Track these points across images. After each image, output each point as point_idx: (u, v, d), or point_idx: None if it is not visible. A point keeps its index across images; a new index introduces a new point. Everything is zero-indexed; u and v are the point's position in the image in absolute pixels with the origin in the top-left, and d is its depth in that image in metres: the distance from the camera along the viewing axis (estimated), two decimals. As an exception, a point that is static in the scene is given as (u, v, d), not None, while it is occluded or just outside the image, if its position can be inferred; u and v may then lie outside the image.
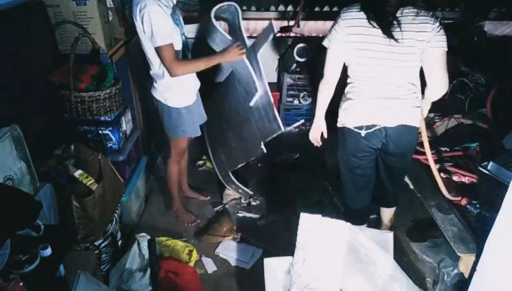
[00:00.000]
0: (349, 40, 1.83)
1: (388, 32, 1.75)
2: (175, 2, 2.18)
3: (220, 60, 2.26)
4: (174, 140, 2.46)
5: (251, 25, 3.84)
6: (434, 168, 2.08)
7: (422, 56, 1.82)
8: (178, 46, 2.16)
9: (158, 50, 2.05)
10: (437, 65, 1.83)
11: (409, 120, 1.94)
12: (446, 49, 1.81)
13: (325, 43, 1.92)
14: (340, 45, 1.86)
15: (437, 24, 1.76)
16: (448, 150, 2.43)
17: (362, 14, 1.78)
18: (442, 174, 2.27)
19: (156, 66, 2.20)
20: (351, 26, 1.81)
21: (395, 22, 1.74)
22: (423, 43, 1.77)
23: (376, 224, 2.57)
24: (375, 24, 1.76)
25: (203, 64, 2.17)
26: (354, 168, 2.13)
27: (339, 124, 2.06)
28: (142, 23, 2.01)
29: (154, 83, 2.29)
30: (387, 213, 2.43)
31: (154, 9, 1.97)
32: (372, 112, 1.94)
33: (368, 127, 1.95)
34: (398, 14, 1.74)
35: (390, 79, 1.87)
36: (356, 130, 1.98)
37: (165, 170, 2.66)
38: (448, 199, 2.12)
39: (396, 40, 1.75)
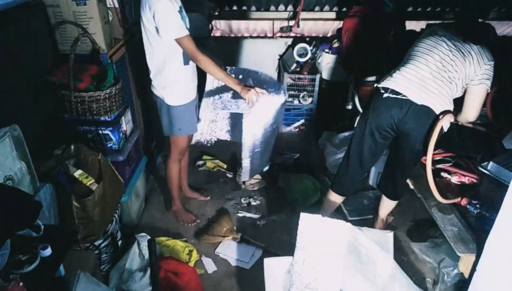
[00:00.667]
0: None
1: None
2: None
3: (235, 87, 2.18)
4: (173, 139, 2.46)
5: (251, 25, 3.85)
6: (429, 170, 2.07)
7: None
8: None
9: (179, 42, 2.07)
10: None
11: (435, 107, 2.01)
12: None
13: None
14: None
15: None
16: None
17: None
18: (443, 174, 2.27)
19: (153, 67, 2.22)
20: None
21: None
22: None
23: (373, 224, 2.58)
24: None
25: (220, 75, 2.17)
26: (359, 144, 2.21)
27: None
28: (154, 19, 2.01)
29: (153, 81, 2.29)
30: (385, 205, 2.46)
31: (166, 2, 1.99)
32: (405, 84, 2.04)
33: (393, 92, 2.04)
34: None
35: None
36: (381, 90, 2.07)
37: (165, 169, 2.66)
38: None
39: None
